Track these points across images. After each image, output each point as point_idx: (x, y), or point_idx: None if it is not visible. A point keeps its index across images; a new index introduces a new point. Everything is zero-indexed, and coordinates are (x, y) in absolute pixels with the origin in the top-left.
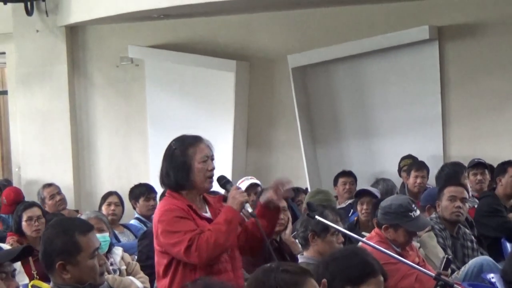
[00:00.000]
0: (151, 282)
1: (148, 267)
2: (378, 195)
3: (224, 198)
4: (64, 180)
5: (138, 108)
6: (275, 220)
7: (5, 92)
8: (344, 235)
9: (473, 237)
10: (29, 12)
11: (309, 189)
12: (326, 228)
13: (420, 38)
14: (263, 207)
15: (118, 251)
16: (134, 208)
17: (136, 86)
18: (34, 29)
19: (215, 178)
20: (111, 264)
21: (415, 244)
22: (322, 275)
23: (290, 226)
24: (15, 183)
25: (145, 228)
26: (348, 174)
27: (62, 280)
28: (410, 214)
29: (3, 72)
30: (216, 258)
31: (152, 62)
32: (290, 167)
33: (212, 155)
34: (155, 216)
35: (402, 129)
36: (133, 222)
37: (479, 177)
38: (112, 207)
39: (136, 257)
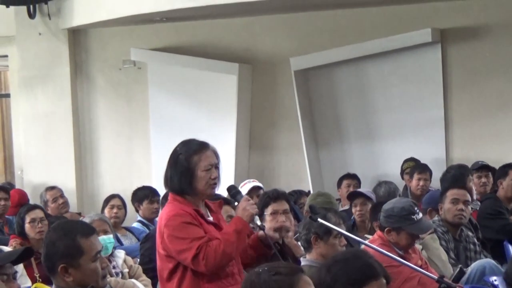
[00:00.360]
0: (154, 285)
1: (150, 270)
2: (372, 196)
3: (226, 202)
4: (67, 183)
5: (141, 111)
6: (263, 255)
7: (7, 95)
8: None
9: (475, 240)
10: (31, 15)
11: (311, 192)
12: (329, 230)
13: (423, 40)
14: (257, 239)
15: (120, 254)
16: (137, 211)
17: (138, 89)
18: (36, 32)
19: (225, 186)
20: (114, 267)
21: (418, 246)
22: (324, 278)
23: (292, 228)
24: (17, 186)
25: (147, 231)
26: (352, 177)
27: (64, 283)
28: (412, 217)
29: (5, 75)
30: (222, 268)
31: (155, 65)
32: (292, 169)
33: (217, 163)
34: (161, 220)
35: (405, 132)
36: (135, 225)
37: (483, 179)
38: (115, 210)
39: (138, 260)
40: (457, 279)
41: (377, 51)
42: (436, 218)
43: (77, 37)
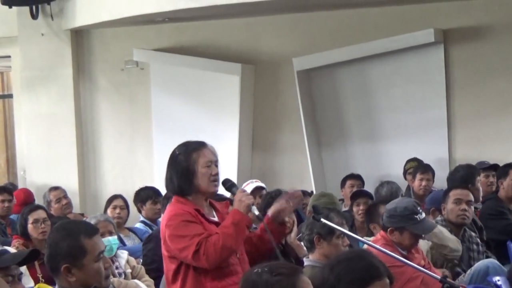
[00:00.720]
0: (157, 285)
1: (153, 271)
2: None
3: (231, 202)
4: (69, 183)
5: (143, 111)
6: (280, 235)
7: (10, 96)
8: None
9: (479, 240)
10: (34, 16)
11: (314, 192)
12: (332, 231)
13: (426, 41)
14: (270, 220)
15: (123, 254)
16: (140, 212)
17: (141, 90)
18: (39, 33)
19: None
20: (116, 268)
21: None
22: (328, 278)
23: (295, 229)
24: (20, 187)
25: (150, 232)
26: (356, 177)
27: (67, 283)
28: (415, 217)
29: (8, 75)
30: (225, 261)
31: (157, 65)
32: (295, 170)
33: (216, 161)
34: (163, 221)
35: (408, 132)
36: (138, 225)
37: (491, 179)
38: (117, 210)
39: (141, 260)
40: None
41: (380, 51)
42: (439, 218)
43: (79, 37)
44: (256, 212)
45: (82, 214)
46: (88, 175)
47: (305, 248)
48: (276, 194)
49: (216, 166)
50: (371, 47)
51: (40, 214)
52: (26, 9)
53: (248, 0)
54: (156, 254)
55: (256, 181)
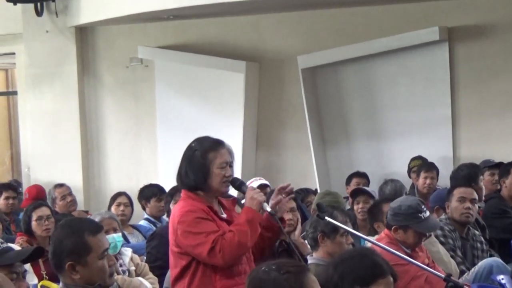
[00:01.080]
0: (160, 283)
1: (157, 268)
2: (375, 195)
3: (238, 201)
4: (74, 180)
5: (148, 108)
6: (280, 231)
7: (15, 93)
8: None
9: (482, 239)
10: (39, 13)
11: (318, 190)
12: (336, 229)
13: (430, 39)
14: (268, 218)
15: (127, 252)
16: (144, 209)
17: (145, 87)
18: (44, 30)
19: None
20: (120, 265)
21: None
22: (332, 276)
23: (299, 227)
24: (24, 184)
25: (154, 229)
26: (361, 176)
27: (71, 281)
28: (419, 215)
29: (12, 72)
30: (238, 259)
31: (162, 62)
32: (299, 168)
33: (232, 162)
34: (174, 217)
35: (412, 131)
36: (142, 222)
37: (496, 177)
38: (122, 208)
39: (145, 258)
40: None
41: (385, 49)
42: (443, 216)
43: (84, 34)
44: (268, 209)
45: (87, 212)
46: (92, 172)
47: (309, 246)
48: None
49: (231, 166)
50: (375, 45)
51: (44, 211)
52: (30, 6)
53: None
54: (160, 251)
55: (260, 179)
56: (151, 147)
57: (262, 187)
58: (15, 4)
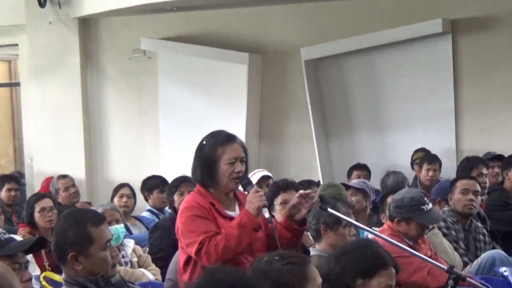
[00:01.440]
0: (163, 274)
1: (159, 260)
2: (365, 187)
3: None
4: (76, 172)
5: (151, 100)
6: (300, 234)
7: (17, 84)
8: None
9: (485, 231)
10: (41, 4)
11: (321, 182)
12: (338, 220)
13: (434, 31)
14: (287, 218)
15: (129, 243)
16: (147, 200)
17: (148, 78)
18: (47, 21)
19: None
20: (123, 256)
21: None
22: (334, 268)
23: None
24: (27, 175)
25: (157, 220)
26: (362, 168)
27: (74, 272)
28: (422, 207)
29: (15, 64)
30: (229, 262)
31: (165, 54)
32: (302, 160)
33: (243, 157)
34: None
35: (415, 123)
36: (145, 214)
37: (496, 170)
38: (124, 199)
39: (147, 249)
40: None
41: (388, 41)
42: (446, 208)
43: (87, 26)
44: (267, 215)
45: (89, 203)
46: (95, 164)
47: (311, 237)
48: (283, 184)
49: (242, 162)
50: (379, 37)
51: (47, 202)
52: None
53: None
54: (162, 242)
55: (262, 171)
56: (154, 138)
57: (264, 178)
58: None
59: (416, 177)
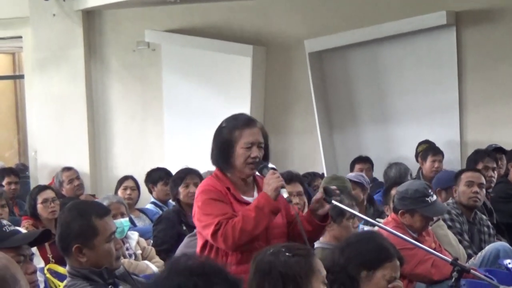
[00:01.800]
0: None
1: (163, 252)
2: (363, 180)
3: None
4: (80, 164)
5: (154, 92)
6: (321, 229)
7: (21, 76)
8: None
9: (489, 223)
10: None
11: (325, 174)
12: (342, 213)
13: (438, 23)
14: (310, 212)
15: (133, 235)
16: (151, 192)
17: (152, 71)
18: (50, 13)
19: None
20: (127, 249)
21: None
22: (338, 260)
23: (306, 211)
24: (31, 167)
25: (161, 213)
26: (364, 160)
27: (78, 264)
28: (426, 199)
29: (19, 56)
30: (246, 245)
31: (169, 46)
32: (306, 152)
33: (261, 142)
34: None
35: (419, 115)
36: (149, 206)
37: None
38: (128, 191)
39: (151, 241)
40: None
41: (392, 33)
42: (450, 200)
43: (91, 18)
44: (285, 195)
45: (93, 195)
46: (99, 156)
47: None
48: (287, 176)
49: (260, 147)
50: (383, 29)
51: (49, 193)
52: None
53: None
54: (166, 235)
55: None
56: (158, 131)
57: None
58: None
59: (419, 169)
